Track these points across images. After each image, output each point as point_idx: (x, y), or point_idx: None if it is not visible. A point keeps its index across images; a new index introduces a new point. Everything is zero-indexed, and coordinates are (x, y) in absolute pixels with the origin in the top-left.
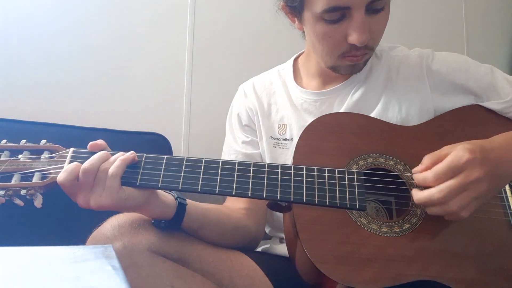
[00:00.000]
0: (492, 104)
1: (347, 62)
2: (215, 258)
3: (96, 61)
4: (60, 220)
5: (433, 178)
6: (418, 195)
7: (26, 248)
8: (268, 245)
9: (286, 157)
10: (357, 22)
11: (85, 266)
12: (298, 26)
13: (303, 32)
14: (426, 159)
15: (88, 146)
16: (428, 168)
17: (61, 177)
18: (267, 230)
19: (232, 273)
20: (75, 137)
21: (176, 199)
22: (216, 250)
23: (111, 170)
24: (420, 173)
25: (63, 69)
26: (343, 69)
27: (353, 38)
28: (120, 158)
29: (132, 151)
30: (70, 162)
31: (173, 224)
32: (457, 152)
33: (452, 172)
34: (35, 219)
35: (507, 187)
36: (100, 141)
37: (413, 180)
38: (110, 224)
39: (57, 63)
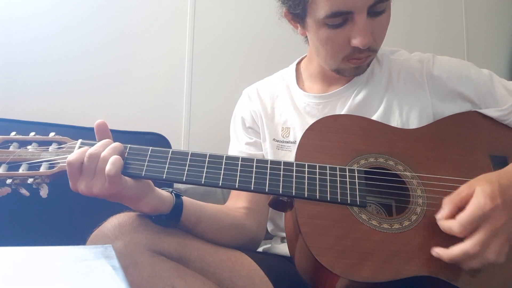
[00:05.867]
0: (490, 112)
1: (351, 65)
2: (216, 258)
3: (96, 61)
4: (60, 220)
5: (459, 229)
6: (451, 253)
7: (26, 248)
8: (269, 245)
9: (289, 160)
10: (359, 26)
11: (85, 266)
12: (301, 31)
13: (306, 37)
14: (447, 205)
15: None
16: (451, 213)
17: (72, 156)
18: (269, 228)
19: (233, 273)
20: (75, 137)
21: (171, 192)
22: (217, 250)
23: (107, 155)
24: (445, 221)
25: (63, 69)
26: (347, 72)
27: (357, 41)
28: (110, 147)
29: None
30: None
31: (173, 216)
32: (479, 201)
33: (477, 222)
34: (35, 219)
35: None
36: (103, 122)
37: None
38: (111, 224)
39: (57, 63)
